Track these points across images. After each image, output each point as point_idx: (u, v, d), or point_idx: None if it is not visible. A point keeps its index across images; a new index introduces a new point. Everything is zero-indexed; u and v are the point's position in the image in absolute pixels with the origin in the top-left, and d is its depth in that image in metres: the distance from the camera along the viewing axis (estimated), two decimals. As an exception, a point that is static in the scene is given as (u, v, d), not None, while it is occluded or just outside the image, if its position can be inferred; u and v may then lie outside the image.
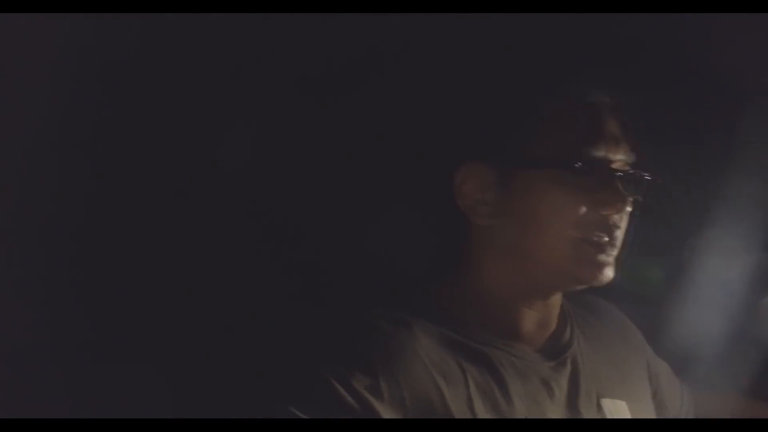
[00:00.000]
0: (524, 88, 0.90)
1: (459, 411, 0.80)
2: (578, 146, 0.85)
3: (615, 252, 0.87)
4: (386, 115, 0.98)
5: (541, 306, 0.90)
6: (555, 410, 0.85)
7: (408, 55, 1.00)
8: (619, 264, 0.88)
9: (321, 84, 1.01)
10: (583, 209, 0.84)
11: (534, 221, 0.86)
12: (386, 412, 0.77)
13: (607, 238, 0.85)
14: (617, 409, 0.89)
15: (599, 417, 0.87)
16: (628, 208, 0.86)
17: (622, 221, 0.87)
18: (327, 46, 0.99)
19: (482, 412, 0.81)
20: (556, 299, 0.91)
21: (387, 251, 0.97)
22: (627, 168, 0.87)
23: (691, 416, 1.01)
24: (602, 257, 0.85)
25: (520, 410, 0.83)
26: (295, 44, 0.99)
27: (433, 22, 0.96)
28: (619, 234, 0.87)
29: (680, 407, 1.01)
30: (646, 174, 0.88)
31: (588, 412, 0.87)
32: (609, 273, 0.86)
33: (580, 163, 0.84)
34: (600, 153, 0.85)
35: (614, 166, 0.86)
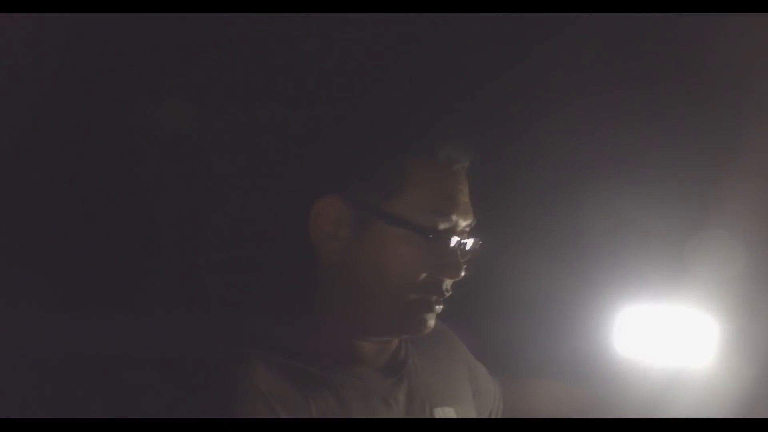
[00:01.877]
0: (398, 142, 0.91)
1: None
2: (435, 213, 0.88)
3: (441, 307, 0.92)
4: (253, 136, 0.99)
5: (376, 340, 0.93)
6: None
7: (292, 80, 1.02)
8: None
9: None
10: (425, 272, 0.89)
11: (377, 270, 0.88)
12: None
13: (438, 299, 0.91)
14: (447, 416, 0.96)
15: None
16: (463, 273, 0.91)
17: (452, 285, 0.92)
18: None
19: None
20: None
21: (230, 281, 0.98)
22: (467, 232, 0.92)
23: (501, 407, 1.12)
24: (430, 315, 0.91)
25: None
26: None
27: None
28: (448, 293, 0.92)
29: (494, 402, 1.11)
30: (480, 239, 0.93)
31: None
32: (431, 327, 0.92)
33: (433, 235, 0.87)
34: (451, 224, 0.89)
35: (458, 232, 0.90)
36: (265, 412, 0.80)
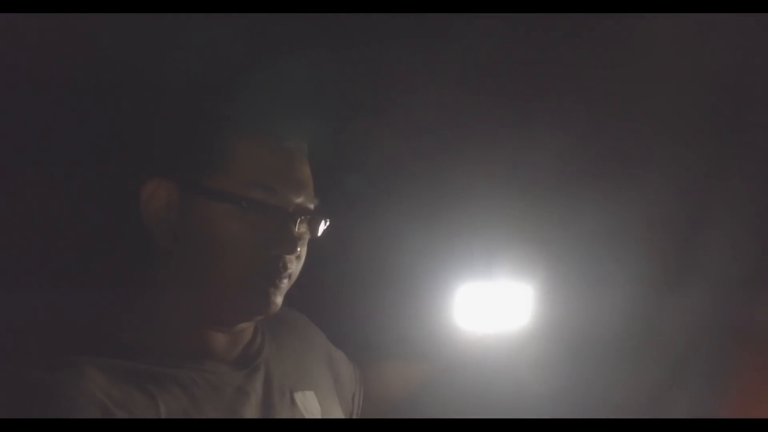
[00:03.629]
0: (218, 116, 0.89)
1: None
2: (261, 187, 0.87)
3: (286, 285, 0.91)
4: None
5: (228, 329, 0.91)
6: (252, 413, 0.88)
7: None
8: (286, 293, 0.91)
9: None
10: (258, 248, 0.87)
11: (209, 251, 0.86)
12: None
13: (278, 275, 0.89)
14: (307, 399, 0.98)
15: (293, 410, 0.94)
16: (300, 249, 0.90)
17: (293, 260, 0.91)
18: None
19: None
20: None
21: (59, 277, 0.91)
22: (306, 211, 0.92)
23: (362, 390, 1.16)
24: (273, 291, 0.89)
25: None
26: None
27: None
28: (292, 270, 0.91)
29: (355, 385, 1.15)
30: (325, 217, 0.93)
31: (283, 407, 0.93)
32: (277, 305, 0.90)
33: (246, 202, 0.86)
34: (281, 196, 0.88)
35: (292, 209, 0.90)
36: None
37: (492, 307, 1.23)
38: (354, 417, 1.14)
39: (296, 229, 0.90)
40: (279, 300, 0.91)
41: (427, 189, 1.24)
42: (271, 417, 0.91)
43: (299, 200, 0.91)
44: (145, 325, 0.87)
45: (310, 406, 0.98)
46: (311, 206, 0.93)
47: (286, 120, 0.93)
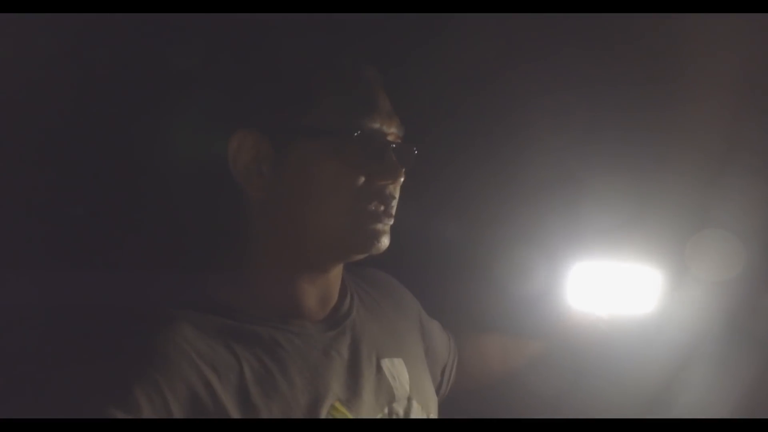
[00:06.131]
0: (299, 58, 0.88)
1: (232, 403, 0.76)
2: (354, 118, 0.85)
3: (391, 221, 0.89)
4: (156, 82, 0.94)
5: (322, 281, 0.90)
6: (338, 377, 0.86)
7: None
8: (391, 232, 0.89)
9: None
10: (361, 179, 0.85)
11: (311, 192, 0.85)
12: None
13: (383, 208, 0.87)
14: (395, 366, 0.94)
15: (379, 376, 0.91)
16: (401, 179, 0.88)
17: (396, 191, 0.89)
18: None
19: (259, 399, 0.78)
20: (337, 273, 0.92)
21: (148, 236, 0.92)
22: (399, 140, 0.90)
23: (455, 362, 1.12)
24: (379, 226, 0.87)
25: (302, 386, 0.82)
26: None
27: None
28: (395, 203, 0.89)
29: (448, 357, 1.11)
30: (414, 147, 0.90)
31: (369, 373, 0.89)
32: (386, 241, 0.88)
33: (358, 132, 0.84)
34: (375, 125, 0.86)
35: (388, 138, 0.88)
36: (191, 376, 0.75)
37: (608, 289, 1.14)
38: (442, 391, 1.10)
39: (395, 158, 0.88)
40: (386, 240, 0.88)
41: (542, 153, 1.18)
42: (356, 383, 0.87)
43: (393, 128, 0.89)
44: (242, 282, 0.86)
45: (398, 373, 0.94)
46: (401, 135, 0.91)
47: (362, 53, 0.91)
